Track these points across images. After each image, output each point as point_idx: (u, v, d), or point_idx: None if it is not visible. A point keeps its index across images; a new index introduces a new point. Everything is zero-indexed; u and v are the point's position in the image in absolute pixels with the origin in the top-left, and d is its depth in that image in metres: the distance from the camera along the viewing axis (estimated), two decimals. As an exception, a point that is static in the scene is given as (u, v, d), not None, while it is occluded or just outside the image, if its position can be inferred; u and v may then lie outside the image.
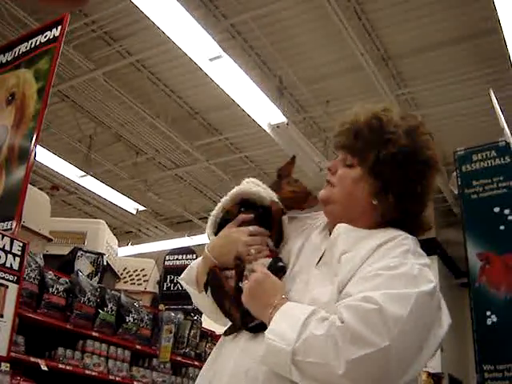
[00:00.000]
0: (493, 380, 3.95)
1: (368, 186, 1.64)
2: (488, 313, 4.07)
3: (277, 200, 1.76)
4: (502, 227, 4.23)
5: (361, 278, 1.45)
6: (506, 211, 4.27)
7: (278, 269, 1.61)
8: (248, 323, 1.54)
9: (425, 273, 1.47)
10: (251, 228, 1.69)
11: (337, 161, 1.73)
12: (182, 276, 1.87)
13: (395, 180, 1.62)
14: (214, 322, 1.81)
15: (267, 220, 1.73)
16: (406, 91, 9.18)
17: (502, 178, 4.39)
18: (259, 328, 1.49)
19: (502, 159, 4.46)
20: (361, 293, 1.38)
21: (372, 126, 1.65)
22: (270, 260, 1.63)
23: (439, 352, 9.10)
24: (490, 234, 4.27)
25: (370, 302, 1.34)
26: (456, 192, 4.59)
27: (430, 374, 9.61)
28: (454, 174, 4.64)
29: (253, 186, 1.80)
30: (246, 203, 1.76)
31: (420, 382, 9.34)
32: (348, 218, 1.65)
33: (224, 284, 1.63)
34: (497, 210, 4.30)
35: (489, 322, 4.04)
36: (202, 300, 1.77)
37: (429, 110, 9.52)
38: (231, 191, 1.81)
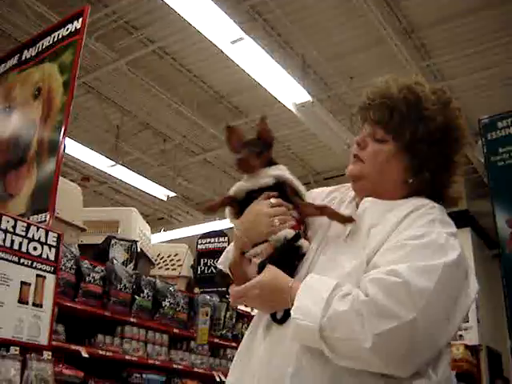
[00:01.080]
0: (526, 346, 3.91)
1: (403, 163, 1.62)
2: None
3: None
4: None
5: (387, 249, 1.44)
6: (534, 176, 4.21)
7: (292, 249, 1.60)
8: (275, 314, 1.54)
9: (451, 241, 1.45)
10: (273, 200, 1.65)
11: (365, 135, 1.68)
12: (219, 261, 1.87)
13: (431, 157, 1.61)
14: None
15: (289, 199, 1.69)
16: (430, 62, 9.06)
17: None
18: (287, 316, 1.48)
19: (527, 125, 4.38)
20: (387, 264, 1.38)
21: (409, 102, 1.61)
22: (293, 232, 1.61)
23: (476, 324, 9.07)
24: None
25: (395, 275, 1.34)
26: (482, 160, 4.52)
27: (467, 347, 9.56)
28: (480, 142, 4.56)
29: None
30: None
31: (457, 354, 9.32)
32: (378, 193, 1.63)
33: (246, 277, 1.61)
34: None
35: None
36: None
37: (454, 81, 9.40)
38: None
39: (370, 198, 1.63)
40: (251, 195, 1.69)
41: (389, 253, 1.43)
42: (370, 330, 1.30)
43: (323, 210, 1.67)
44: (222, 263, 1.84)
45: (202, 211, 1.83)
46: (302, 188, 1.72)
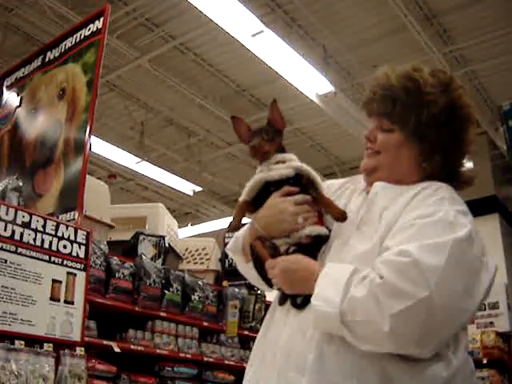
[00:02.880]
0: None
1: (414, 149, 1.65)
2: None
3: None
4: None
5: (397, 231, 1.46)
6: (555, 161, 4.14)
7: (323, 239, 1.64)
8: (295, 299, 1.57)
9: (461, 218, 1.45)
10: (297, 197, 1.67)
11: (373, 128, 1.71)
12: (228, 246, 1.90)
13: (440, 140, 1.63)
14: (260, 288, 1.82)
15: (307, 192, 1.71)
16: (453, 48, 8.98)
17: None
18: (307, 302, 1.51)
19: (547, 110, 4.32)
20: (397, 245, 1.39)
21: (409, 90, 1.64)
22: (318, 228, 1.64)
23: (506, 311, 8.98)
24: None
25: (405, 255, 1.35)
26: (504, 147, 4.47)
27: (498, 334, 9.48)
28: (501, 129, 4.51)
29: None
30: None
31: (489, 341, 9.24)
32: (395, 181, 1.65)
33: (266, 258, 1.63)
34: None
35: None
36: (248, 269, 1.78)
37: (477, 66, 9.31)
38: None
39: (381, 183, 1.65)
40: (268, 187, 1.71)
41: (398, 234, 1.45)
42: (387, 311, 1.31)
43: (320, 200, 1.69)
44: (231, 249, 1.88)
45: (230, 231, 1.87)
46: (319, 180, 1.73)
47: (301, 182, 1.70)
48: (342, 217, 1.65)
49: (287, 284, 1.57)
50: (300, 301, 1.55)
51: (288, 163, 1.72)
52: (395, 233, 1.46)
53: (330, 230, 1.67)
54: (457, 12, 8.25)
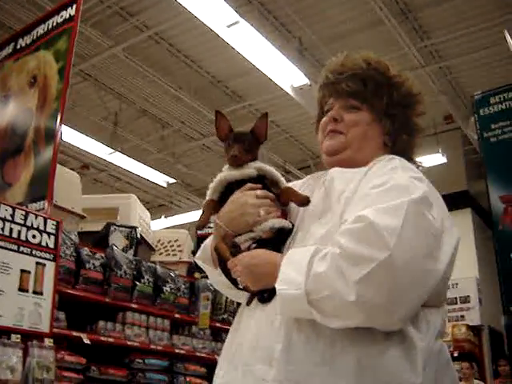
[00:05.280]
0: (521, 320, 3.89)
1: (382, 127, 1.67)
2: None
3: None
4: None
5: (353, 204, 1.44)
6: (527, 152, 4.17)
7: (287, 232, 1.61)
8: (262, 295, 1.53)
9: (416, 183, 1.42)
10: (258, 191, 1.65)
11: (339, 109, 1.71)
12: (196, 256, 1.85)
13: (406, 119, 1.69)
14: (234, 299, 1.77)
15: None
16: (428, 43, 9.03)
17: None
18: (274, 295, 1.46)
19: (520, 100, 4.33)
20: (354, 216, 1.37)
21: (379, 71, 1.70)
22: (281, 220, 1.61)
23: (478, 305, 9.07)
24: (511, 176, 4.17)
25: (360, 220, 1.32)
26: (476, 137, 4.49)
27: (469, 327, 9.60)
28: (472, 118, 4.53)
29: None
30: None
31: (460, 335, 9.35)
32: (359, 161, 1.63)
33: (228, 258, 1.60)
34: None
35: None
36: (218, 276, 1.73)
37: (453, 61, 9.39)
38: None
39: (336, 169, 1.63)
40: (231, 187, 1.70)
41: (354, 206, 1.42)
42: (350, 279, 1.28)
43: (283, 192, 1.68)
44: (200, 257, 1.83)
45: (197, 229, 1.83)
46: (282, 179, 1.71)
47: (263, 182, 1.69)
48: (305, 200, 1.63)
49: (251, 280, 1.53)
50: (267, 295, 1.51)
51: (250, 163, 1.71)
52: (351, 207, 1.44)
53: (293, 225, 1.64)
54: (432, 7, 8.29)
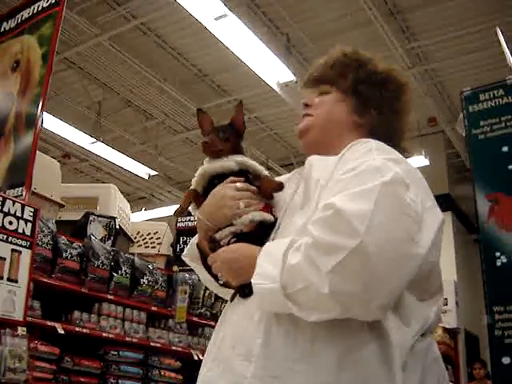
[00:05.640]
0: (504, 321, 3.88)
1: (349, 104, 1.67)
2: (497, 254, 3.96)
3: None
4: (510, 167, 4.09)
5: (326, 191, 1.40)
6: (515, 151, 4.15)
7: (269, 226, 1.58)
8: (244, 289, 1.49)
9: (390, 165, 1.36)
10: (238, 184, 1.61)
11: (310, 94, 1.75)
12: (184, 253, 1.83)
13: (375, 96, 1.66)
14: (225, 297, 1.71)
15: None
16: (415, 45, 9.05)
17: (510, 117, 4.23)
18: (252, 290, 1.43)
19: (510, 98, 4.31)
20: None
21: (347, 54, 1.74)
22: (261, 213, 1.58)
23: (454, 307, 9.11)
24: (498, 175, 4.14)
25: (329, 208, 1.28)
26: (464, 134, 4.46)
27: (445, 330, 9.66)
28: (461, 115, 4.50)
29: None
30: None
31: (436, 337, 9.39)
32: (328, 143, 1.63)
33: (208, 254, 1.58)
34: (505, 149, 4.14)
35: (498, 263, 3.95)
36: (206, 274, 1.69)
37: (439, 64, 9.42)
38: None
39: (314, 156, 1.59)
40: (213, 181, 1.66)
41: (327, 194, 1.39)
42: (323, 270, 1.23)
43: (262, 181, 1.66)
44: (187, 255, 1.81)
45: (175, 216, 1.80)
46: (266, 173, 1.69)
47: (246, 176, 1.65)
48: (278, 186, 1.63)
49: (231, 275, 1.50)
50: (248, 290, 1.47)
51: (231, 156, 1.68)
52: (325, 194, 1.40)
53: (276, 218, 1.60)
54: (421, 9, 8.31)
